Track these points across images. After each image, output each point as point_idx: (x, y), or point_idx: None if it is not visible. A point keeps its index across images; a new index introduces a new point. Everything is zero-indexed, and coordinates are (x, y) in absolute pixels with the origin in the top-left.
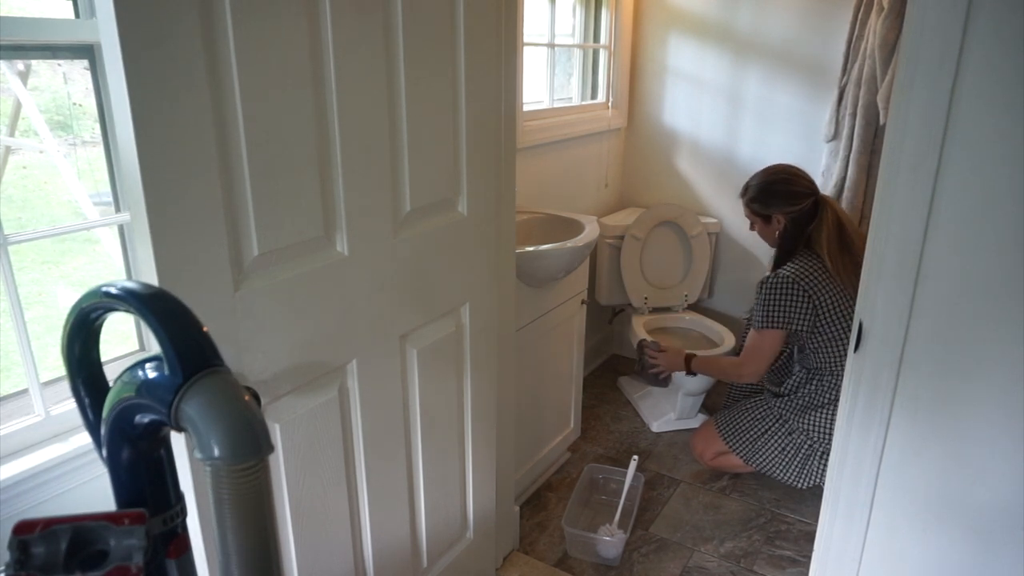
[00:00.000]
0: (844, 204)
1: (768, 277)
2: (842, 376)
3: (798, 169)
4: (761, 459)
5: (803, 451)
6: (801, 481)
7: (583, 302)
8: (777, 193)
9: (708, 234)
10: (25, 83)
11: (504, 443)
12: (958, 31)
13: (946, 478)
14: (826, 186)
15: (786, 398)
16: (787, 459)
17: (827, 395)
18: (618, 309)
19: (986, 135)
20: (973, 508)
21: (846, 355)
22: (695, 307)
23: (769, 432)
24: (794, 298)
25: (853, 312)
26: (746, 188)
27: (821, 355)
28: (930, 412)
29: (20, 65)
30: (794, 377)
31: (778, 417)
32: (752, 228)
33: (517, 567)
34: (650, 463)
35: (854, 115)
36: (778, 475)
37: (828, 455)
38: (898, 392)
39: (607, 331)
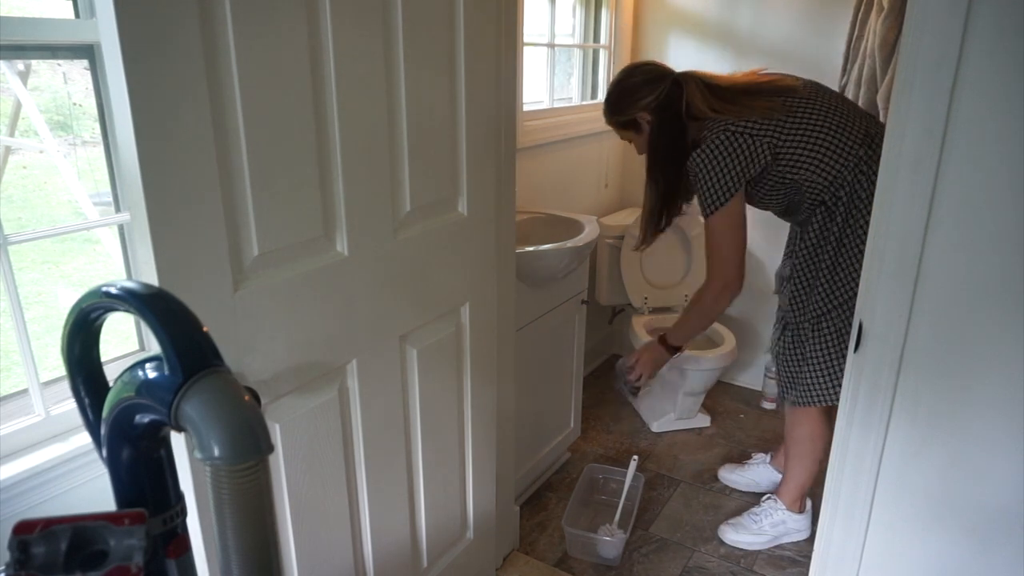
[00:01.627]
0: None
1: (691, 158)
2: (845, 189)
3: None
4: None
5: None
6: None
7: (583, 302)
8: (629, 89)
9: None
10: (25, 83)
11: (504, 443)
12: (958, 31)
13: (946, 478)
14: None
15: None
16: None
17: (835, 223)
18: (618, 309)
19: (986, 135)
20: (973, 508)
21: (838, 159)
22: None
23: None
24: (737, 147)
25: (822, 124)
26: (605, 107)
27: (803, 174)
28: (930, 412)
29: (20, 65)
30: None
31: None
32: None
33: (517, 567)
34: (650, 463)
35: None
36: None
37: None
38: (898, 392)
39: (607, 331)
